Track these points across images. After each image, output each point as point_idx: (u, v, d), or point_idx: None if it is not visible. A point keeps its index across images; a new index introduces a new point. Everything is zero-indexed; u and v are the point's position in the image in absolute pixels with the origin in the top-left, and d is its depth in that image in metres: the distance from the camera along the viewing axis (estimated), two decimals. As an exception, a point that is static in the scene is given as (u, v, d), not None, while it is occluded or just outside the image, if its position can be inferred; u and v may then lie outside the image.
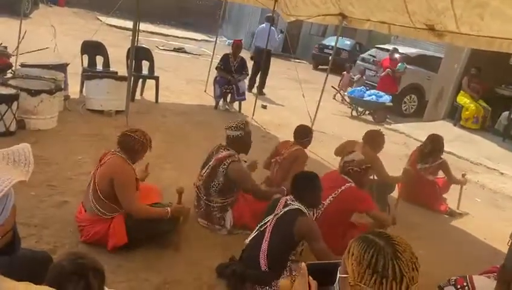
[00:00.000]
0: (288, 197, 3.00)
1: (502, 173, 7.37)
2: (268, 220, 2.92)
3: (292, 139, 4.63)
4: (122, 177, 3.08)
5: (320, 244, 2.85)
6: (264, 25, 10.30)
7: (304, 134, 4.56)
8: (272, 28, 9.28)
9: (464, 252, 4.31)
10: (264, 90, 9.94)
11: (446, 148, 7.53)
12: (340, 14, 5.88)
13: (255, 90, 9.67)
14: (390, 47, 11.83)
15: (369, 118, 10.16)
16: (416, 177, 5.28)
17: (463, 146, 8.39)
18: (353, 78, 11.60)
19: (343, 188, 3.48)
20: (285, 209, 2.90)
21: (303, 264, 1.33)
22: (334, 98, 11.38)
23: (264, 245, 2.85)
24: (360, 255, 1.19)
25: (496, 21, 3.87)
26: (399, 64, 10.61)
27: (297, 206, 2.89)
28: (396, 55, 10.78)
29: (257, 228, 2.98)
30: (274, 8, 7.10)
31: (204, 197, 3.78)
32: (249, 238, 3.01)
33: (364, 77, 11.21)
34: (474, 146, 8.61)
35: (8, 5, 12.29)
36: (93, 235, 3.14)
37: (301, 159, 4.42)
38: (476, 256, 4.21)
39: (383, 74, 10.70)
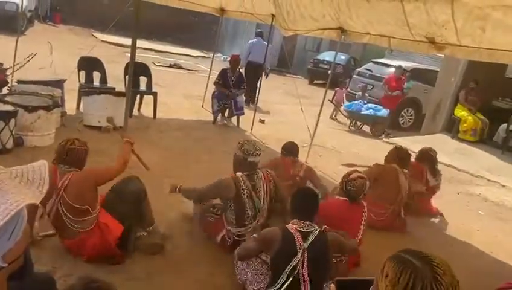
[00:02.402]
0: (300, 224, 2.68)
1: (503, 186, 7.32)
2: (296, 264, 2.55)
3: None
4: (90, 174, 3.19)
5: (349, 244, 2.98)
6: (255, 40, 10.38)
7: (290, 148, 4.85)
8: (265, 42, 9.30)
9: (473, 267, 4.19)
10: (258, 105, 9.85)
11: (446, 160, 7.55)
12: (339, 28, 5.85)
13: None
14: (387, 61, 11.84)
15: (367, 131, 10.13)
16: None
17: (462, 159, 8.37)
18: (354, 94, 11.49)
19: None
20: (310, 239, 2.62)
21: (332, 285, 1.24)
22: (332, 118, 10.98)
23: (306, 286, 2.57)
24: (396, 278, 1.09)
25: (497, 33, 3.85)
26: (406, 83, 10.59)
27: (316, 228, 2.69)
28: (402, 72, 10.63)
29: (286, 274, 2.54)
30: (272, 22, 7.09)
31: None
32: (277, 286, 2.58)
33: (367, 94, 11.06)
34: (474, 159, 8.59)
35: (3, 22, 12.25)
36: (91, 249, 3.04)
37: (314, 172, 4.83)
38: (487, 271, 4.11)
39: (394, 94, 10.42)
